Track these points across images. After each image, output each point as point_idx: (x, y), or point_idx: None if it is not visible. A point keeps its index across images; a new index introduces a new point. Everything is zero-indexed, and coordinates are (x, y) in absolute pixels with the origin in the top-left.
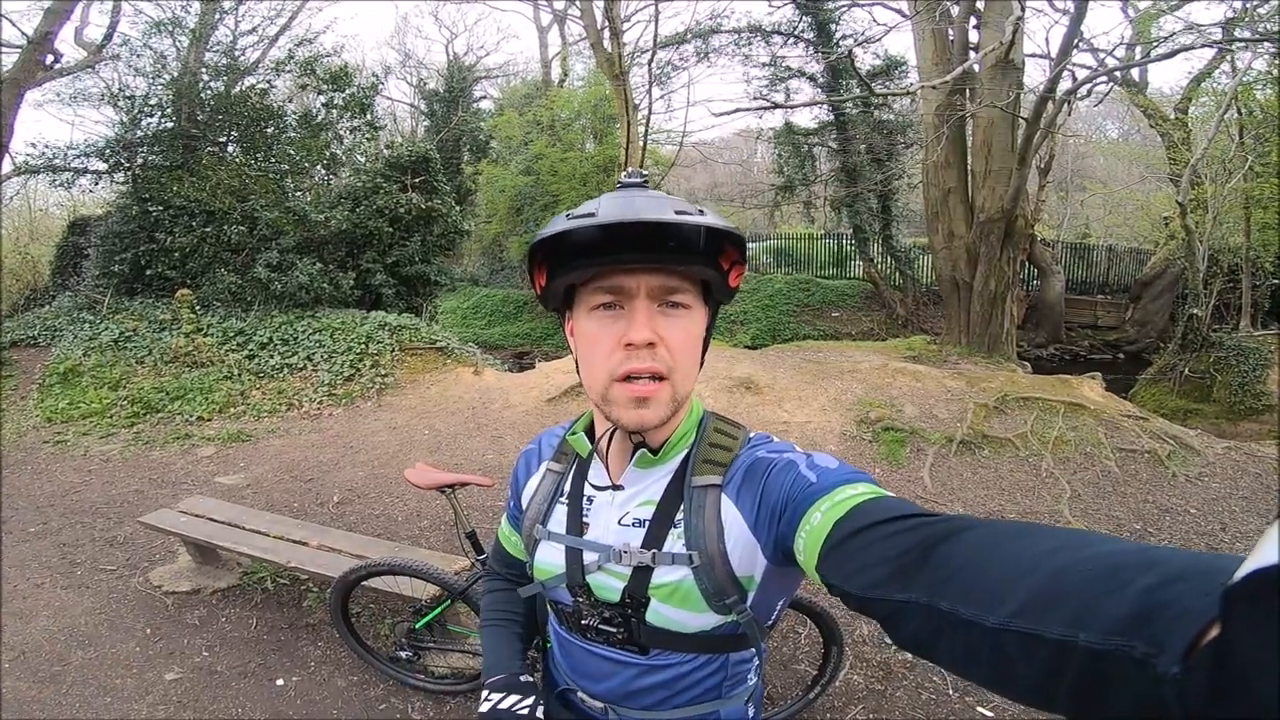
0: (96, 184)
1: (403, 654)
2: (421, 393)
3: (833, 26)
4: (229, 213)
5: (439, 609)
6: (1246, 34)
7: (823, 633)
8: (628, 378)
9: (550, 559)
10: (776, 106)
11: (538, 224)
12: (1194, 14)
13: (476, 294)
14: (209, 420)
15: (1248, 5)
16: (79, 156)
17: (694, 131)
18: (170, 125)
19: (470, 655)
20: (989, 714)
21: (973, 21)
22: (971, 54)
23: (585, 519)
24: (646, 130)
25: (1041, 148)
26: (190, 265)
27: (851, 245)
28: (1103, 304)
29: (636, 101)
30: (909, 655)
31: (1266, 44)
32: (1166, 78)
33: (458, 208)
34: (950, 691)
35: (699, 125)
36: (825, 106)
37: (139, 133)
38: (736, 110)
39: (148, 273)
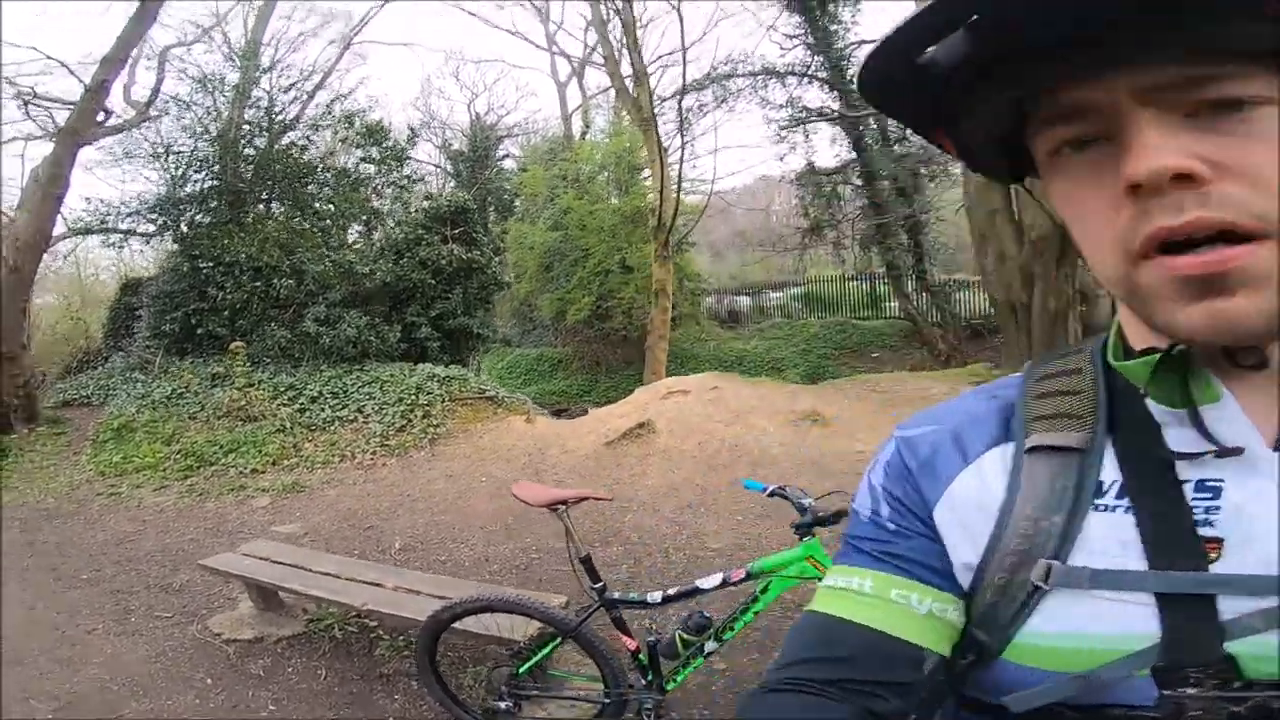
0: (147, 243)
1: (501, 704)
2: (475, 441)
3: (845, 64)
4: (277, 267)
5: (547, 649)
6: None
7: None
8: (1166, 247)
9: (1100, 625)
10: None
11: (568, 280)
12: None
13: (510, 354)
14: (263, 472)
15: None
16: (130, 215)
17: (717, 179)
18: (216, 183)
19: (573, 702)
20: None
21: None
22: None
23: (1208, 528)
24: (680, 173)
25: None
26: (240, 323)
27: (885, 284)
28: None
29: (665, 144)
30: None
31: None
32: None
33: (496, 258)
34: None
35: (720, 173)
36: (846, 144)
37: (186, 189)
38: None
39: (198, 331)
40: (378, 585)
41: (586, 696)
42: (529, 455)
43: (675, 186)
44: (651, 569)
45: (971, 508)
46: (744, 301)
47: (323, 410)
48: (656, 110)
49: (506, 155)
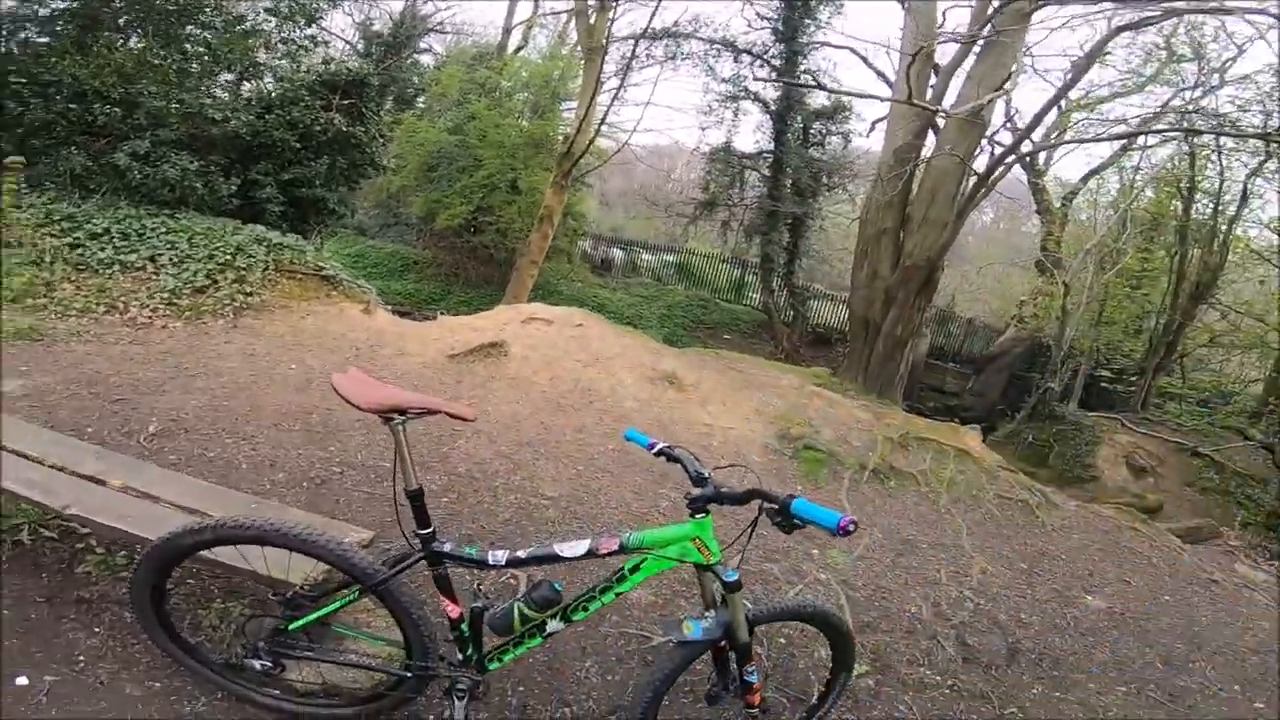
0: None
1: (256, 662)
2: (294, 321)
3: (800, 59)
4: (107, 94)
5: (335, 605)
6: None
7: (834, 649)
8: None
9: None
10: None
11: (449, 185)
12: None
13: (361, 243)
14: None
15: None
16: None
17: (635, 131)
18: (74, 3)
19: (357, 668)
20: None
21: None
22: (945, 103)
23: None
24: (607, 112)
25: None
26: (33, 143)
27: (753, 274)
28: (952, 372)
29: (603, 80)
30: (870, 682)
31: (1173, 136)
32: (1054, 173)
33: (380, 139)
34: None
35: (640, 126)
36: (768, 134)
37: (34, 6)
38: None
39: None
40: (98, 481)
41: (376, 665)
42: (357, 350)
43: (598, 123)
44: (476, 508)
45: None
46: (618, 255)
47: (103, 249)
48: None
49: (428, 50)
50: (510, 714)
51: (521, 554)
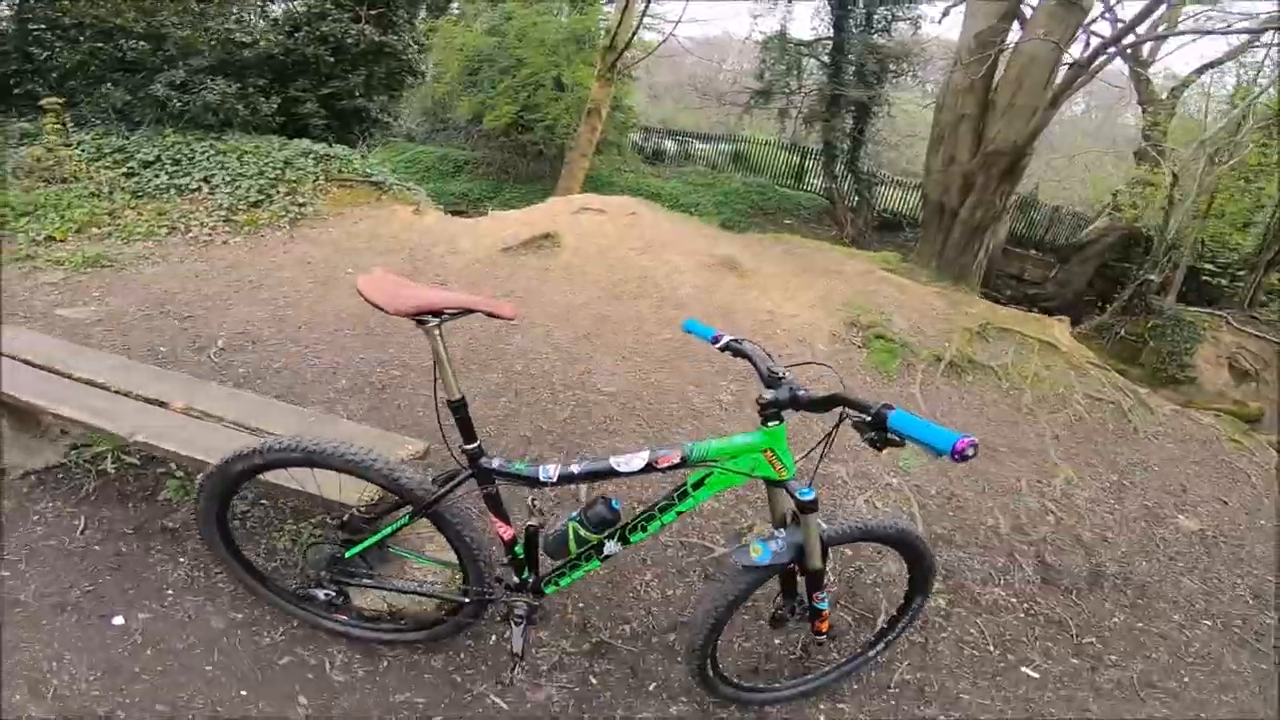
0: None
1: (320, 593)
2: (348, 227)
3: None
4: (130, 29)
5: (388, 529)
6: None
7: (911, 573)
8: None
9: None
10: None
11: (493, 87)
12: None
13: (411, 149)
14: (62, 241)
15: None
16: None
17: (682, 21)
18: None
19: (414, 594)
20: (1033, 674)
21: None
22: None
23: None
24: (648, 4)
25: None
26: (71, 84)
27: (814, 160)
28: (1033, 259)
29: None
30: (941, 602)
31: None
32: (1162, 65)
33: (415, 46)
34: (990, 647)
35: (686, 17)
36: (827, 21)
37: None
38: None
39: (15, 92)
40: (161, 405)
41: (435, 591)
42: (410, 250)
43: (640, 14)
44: (535, 407)
45: None
46: (670, 145)
47: (157, 176)
48: None
49: None
50: (570, 631)
51: (574, 468)
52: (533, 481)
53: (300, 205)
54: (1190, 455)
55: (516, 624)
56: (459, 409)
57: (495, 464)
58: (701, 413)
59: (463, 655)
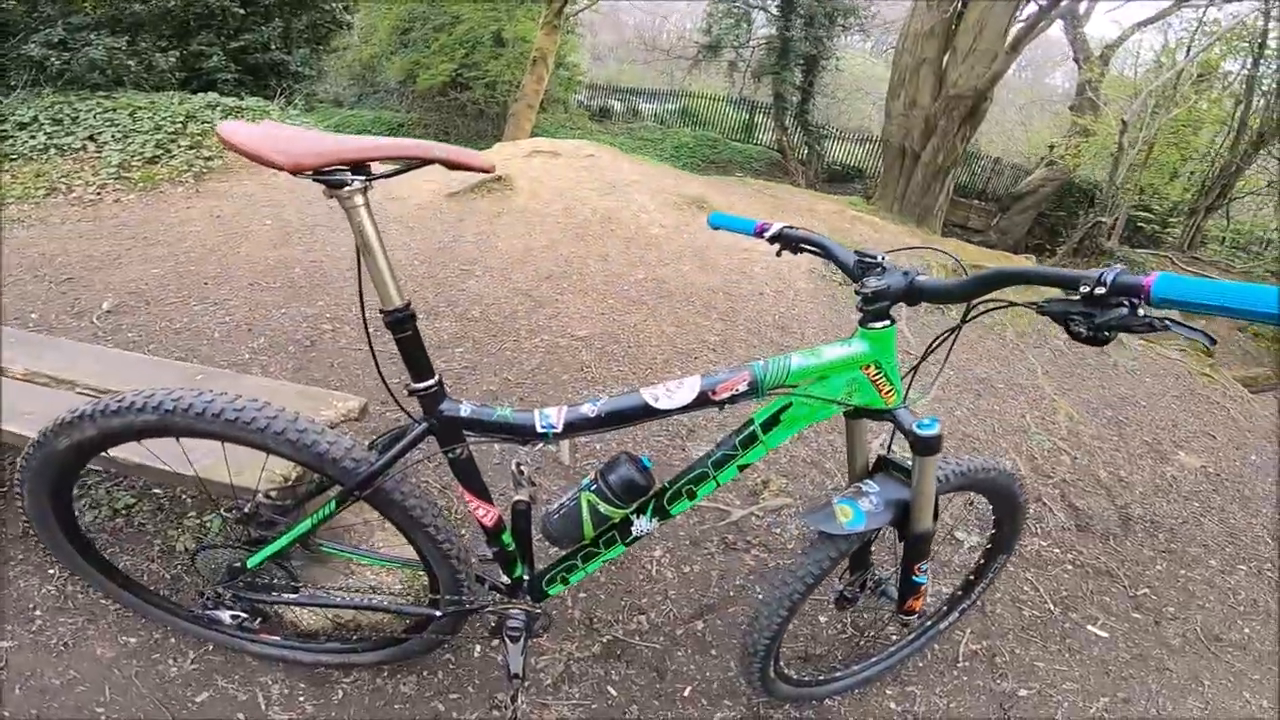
0: None
1: (224, 614)
2: (265, 179)
3: None
4: None
5: (306, 526)
6: None
7: (998, 526)
8: None
9: None
10: None
11: (427, 45)
12: None
13: (339, 115)
14: None
15: None
16: None
17: None
18: None
19: (352, 608)
20: (1101, 633)
21: None
22: None
23: None
24: None
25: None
26: None
27: (762, 114)
28: (976, 209)
29: None
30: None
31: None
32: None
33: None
34: (1050, 605)
35: None
36: None
37: None
38: None
39: None
40: None
41: (390, 605)
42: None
43: None
44: (497, 357)
45: None
46: (616, 104)
47: (34, 137)
48: None
49: None
50: (573, 630)
51: (588, 409)
52: (525, 433)
53: (207, 159)
54: (1169, 389)
55: (512, 640)
56: (401, 325)
57: (465, 411)
58: (687, 354)
59: (442, 675)
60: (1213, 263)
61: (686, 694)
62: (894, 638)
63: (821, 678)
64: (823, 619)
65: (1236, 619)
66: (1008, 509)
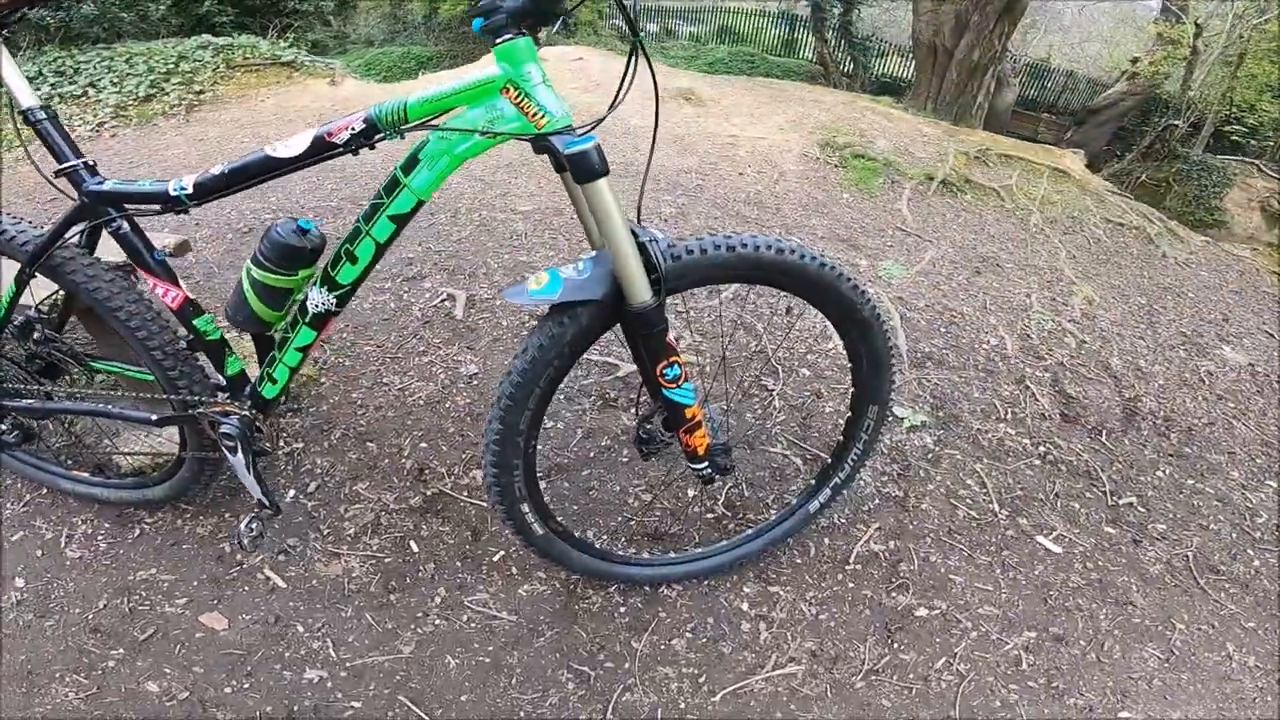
0: None
1: None
2: (252, 105)
3: None
4: None
5: None
6: None
7: (852, 360)
8: None
9: None
10: None
11: None
12: None
13: (370, 53)
14: None
15: None
16: None
17: None
18: None
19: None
20: (1053, 546)
21: None
22: None
23: None
24: None
25: None
26: None
27: (804, 29)
28: (1046, 122)
29: None
30: (928, 439)
31: None
32: None
33: None
34: (995, 507)
35: None
36: None
37: None
38: None
39: None
40: None
41: (111, 410)
42: (321, 118)
43: None
44: (428, 230)
45: None
46: (652, 27)
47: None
48: None
49: None
50: (400, 480)
51: (216, 170)
52: (163, 200)
53: (198, 94)
54: (1228, 284)
55: (230, 451)
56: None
57: (107, 185)
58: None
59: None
60: None
61: (496, 559)
62: (752, 520)
63: (646, 557)
64: (691, 492)
65: (1246, 549)
66: (852, 327)
